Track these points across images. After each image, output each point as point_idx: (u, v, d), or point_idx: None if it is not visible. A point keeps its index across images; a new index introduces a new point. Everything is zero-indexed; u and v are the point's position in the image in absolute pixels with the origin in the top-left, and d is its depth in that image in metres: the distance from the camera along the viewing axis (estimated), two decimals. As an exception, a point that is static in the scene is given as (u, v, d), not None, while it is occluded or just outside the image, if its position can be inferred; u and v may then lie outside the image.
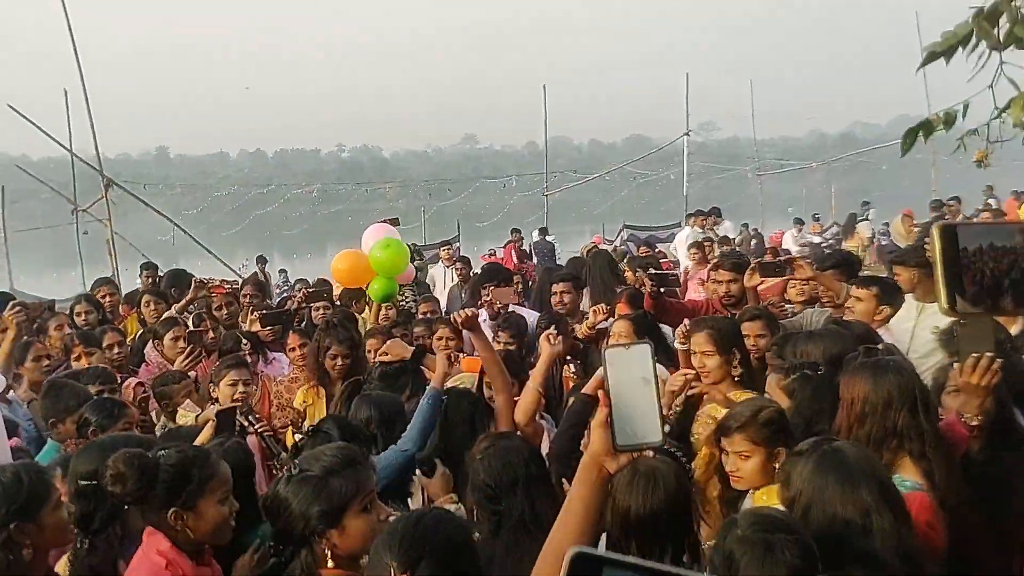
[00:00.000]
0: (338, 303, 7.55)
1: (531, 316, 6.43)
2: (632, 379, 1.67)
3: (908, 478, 2.78)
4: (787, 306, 5.96)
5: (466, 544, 1.92)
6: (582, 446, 3.25)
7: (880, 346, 3.69)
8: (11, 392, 5.06)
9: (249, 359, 5.66)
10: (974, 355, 2.82)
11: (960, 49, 1.80)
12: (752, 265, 5.76)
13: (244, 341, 6.04)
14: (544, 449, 4.18)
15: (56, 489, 2.67)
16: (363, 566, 2.39)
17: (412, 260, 7.57)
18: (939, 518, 2.75)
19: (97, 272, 11.45)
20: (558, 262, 14.45)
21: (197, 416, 4.58)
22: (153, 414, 5.13)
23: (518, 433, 3.41)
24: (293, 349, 5.79)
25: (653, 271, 6.69)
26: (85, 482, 2.97)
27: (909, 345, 4.64)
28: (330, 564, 2.38)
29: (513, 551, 2.54)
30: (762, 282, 5.76)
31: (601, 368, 1.68)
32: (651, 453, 2.64)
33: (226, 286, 7.40)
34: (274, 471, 3.71)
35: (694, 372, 4.05)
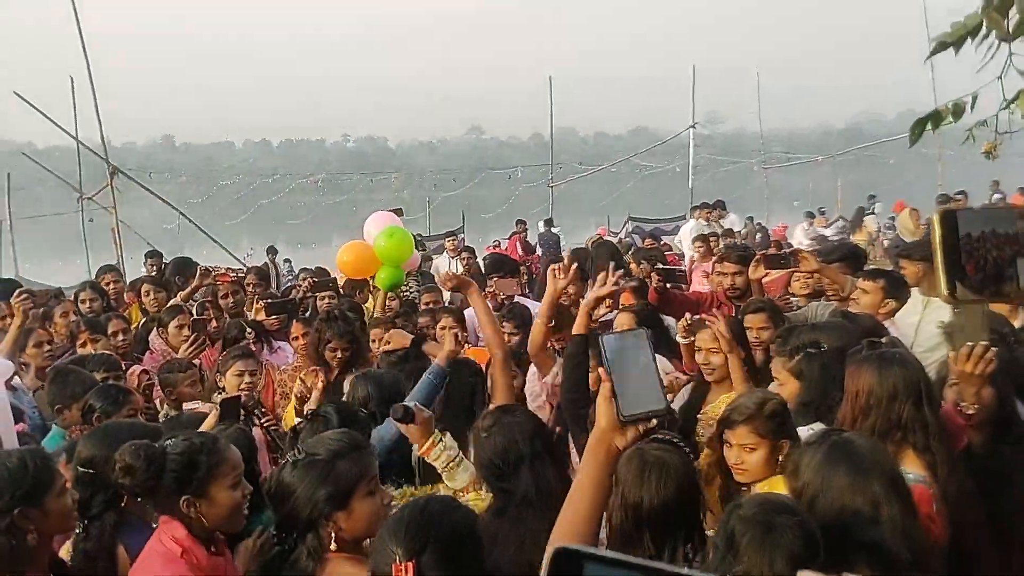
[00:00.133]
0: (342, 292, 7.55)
1: (535, 307, 6.42)
2: (630, 358, 1.74)
3: (911, 470, 2.78)
4: (792, 299, 5.96)
5: (471, 532, 1.92)
6: (588, 423, 3.28)
7: (884, 339, 3.68)
8: (16, 379, 5.08)
9: (253, 348, 5.67)
10: (968, 344, 2.84)
11: (969, 40, 1.79)
12: (757, 257, 5.75)
13: (248, 330, 6.05)
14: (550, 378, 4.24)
15: (61, 475, 2.68)
16: (365, 549, 2.41)
17: (417, 247, 7.58)
18: (940, 511, 2.75)
19: (102, 260, 11.45)
20: (563, 254, 14.43)
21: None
22: (157, 402, 5.14)
23: (522, 406, 3.40)
24: (296, 338, 5.80)
25: (661, 266, 6.69)
26: (83, 469, 2.99)
27: (914, 339, 4.64)
28: (333, 547, 2.39)
29: (519, 528, 2.54)
30: (767, 274, 5.76)
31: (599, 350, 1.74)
32: (656, 443, 2.66)
33: (231, 274, 7.41)
34: (277, 463, 3.71)
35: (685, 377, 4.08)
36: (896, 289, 4.95)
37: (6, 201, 17.43)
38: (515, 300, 6.49)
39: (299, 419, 3.49)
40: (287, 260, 19.18)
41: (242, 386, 4.74)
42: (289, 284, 11.91)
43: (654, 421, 1.73)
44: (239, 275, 7.73)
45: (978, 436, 3.32)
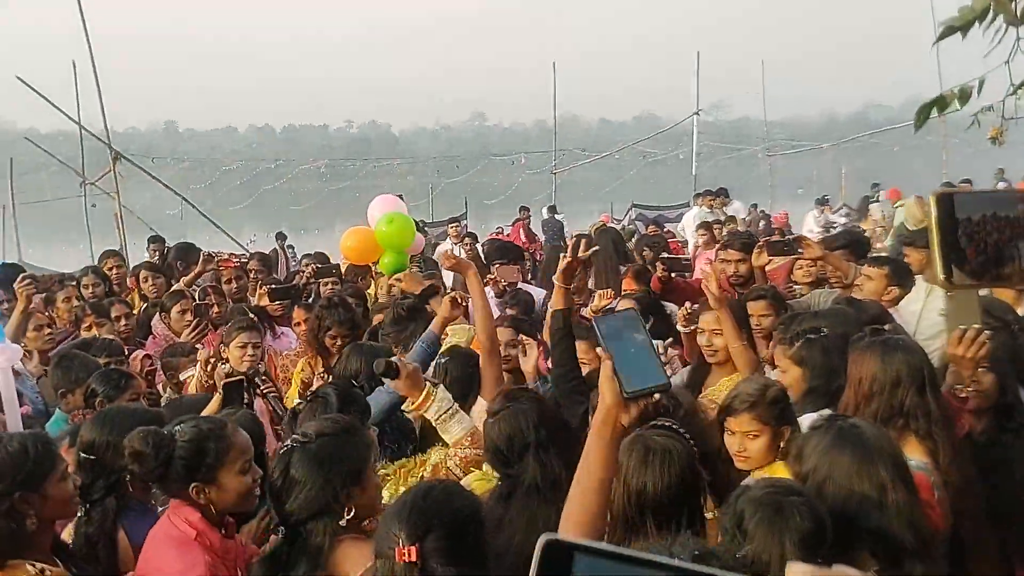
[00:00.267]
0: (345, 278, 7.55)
1: (538, 293, 6.42)
2: (627, 337, 1.78)
3: (913, 457, 2.78)
4: (795, 287, 5.95)
5: (474, 517, 1.93)
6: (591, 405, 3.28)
7: (887, 326, 3.68)
8: (19, 364, 5.08)
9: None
10: (961, 327, 2.84)
11: (977, 24, 1.78)
12: (760, 244, 5.75)
13: (251, 315, 6.05)
14: None
15: (63, 460, 2.68)
16: (365, 528, 2.42)
17: (421, 230, 7.58)
18: (941, 498, 2.75)
19: (105, 245, 11.45)
20: (567, 241, 14.41)
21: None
22: (160, 386, 5.15)
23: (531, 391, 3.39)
24: (299, 324, 5.81)
25: (666, 255, 6.70)
26: (85, 454, 2.99)
27: (916, 327, 4.63)
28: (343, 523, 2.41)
29: (525, 514, 2.56)
30: (770, 261, 5.76)
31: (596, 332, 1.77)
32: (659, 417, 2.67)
33: (234, 260, 7.41)
34: (280, 435, 3.71)
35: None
36: (900, 276, 4.95)
37: (9, 186, 17.44)
38: (518, 287, 6.50)
39: (299, 400, 3.48)
40: (290, 246, 19.18)
41: (245, 359, 4.74)
42: (293, 270, 11.92)
43: (656, 396, 1.75)
44: (242, 261, 7.72)
45: (979, 423, 3.32)
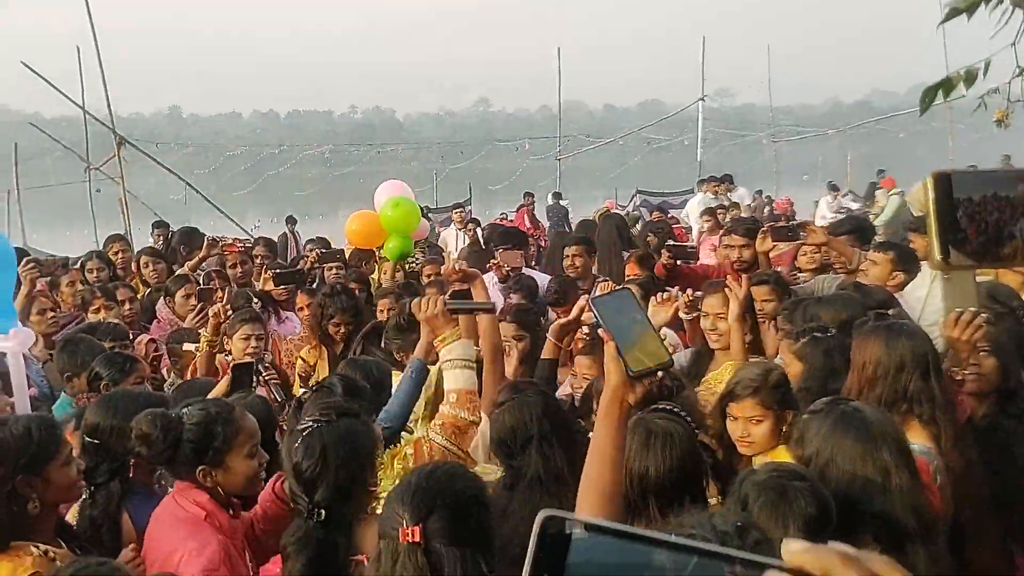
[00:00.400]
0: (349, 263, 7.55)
1: (542, 279, 6.42)
2: (626, 317, 1.80)
3: (915, 442, 2.78)
4: (799, 275, 5.94)
5: (478, 498, 1.93)
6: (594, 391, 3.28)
7: (891, 312, 3.67)
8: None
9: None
10: (957, 310, 2.87)
11: (983, 5, 1.77)
12: (764, 229, 5.74)
13: (255, 300, 6.06)
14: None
15: (67, 444, 2.68)
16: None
17: (425, 215, 7.57)
18: (943, 483, 2.76)
19: (110, 230, 11.43)
20: (572, 227, 14.40)
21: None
22: (164, 371, 5.17)
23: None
24: (302, 309, 5.82)
25: (672, 243, 6.68)
26: (89, 438, 3.00)
27: (921, 313, 4.62)
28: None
29: (528, 506, 2.56)
30: (774, 247, 5.74)
31: (590, 312, 1.80)
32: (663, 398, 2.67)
33: (238, 245, 7.41)
34: (282, 424, 3.72)
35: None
36: (905, 262, 4.94)
37: (13, 171, 17.43)
38: (522, 272, 6.49)
39: (304, 390, 3.49)
40: (283, 233, 19.18)
41: (248, 350, 4.75)
42: (297, 255, 11.92)
43: (660, 374, 1.77)
44: (246, 245, 7.72)
45: (981, 408, 3.32)
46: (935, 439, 2.84)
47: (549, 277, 6.52)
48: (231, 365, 4.16)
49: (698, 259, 6.93)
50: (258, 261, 7.48)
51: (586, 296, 3.79)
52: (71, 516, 2.94)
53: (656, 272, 6.04)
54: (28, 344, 4.19)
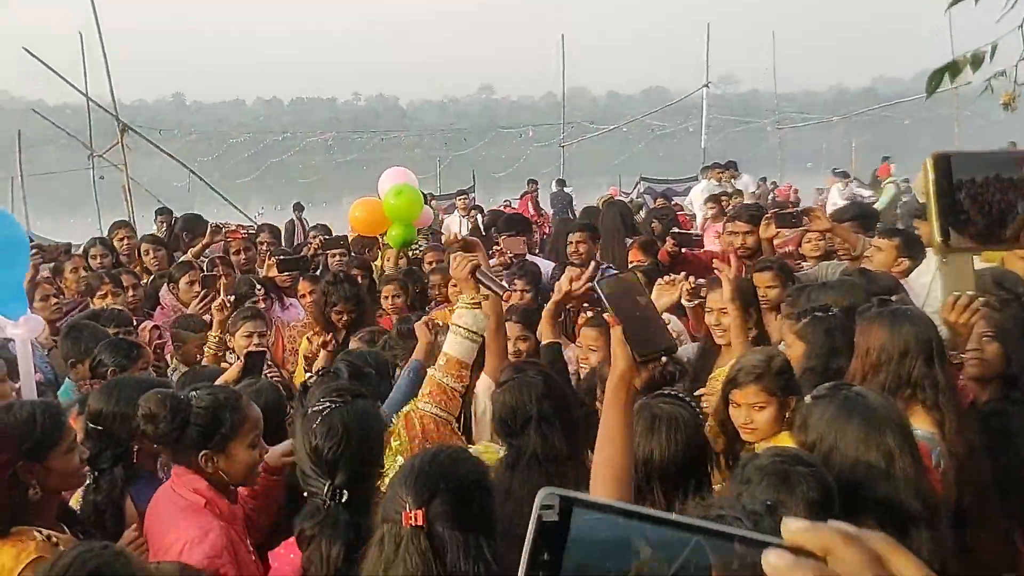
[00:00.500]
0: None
1: (546, 265, 6.41)
2: (630, 301, 1.81)
3: (919, 427, 2.78)
4: (803, 265, 5.92)
5: (481, 482, 1.94)
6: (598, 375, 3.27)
7: (895, 298, 3.66)
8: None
9: (263, 305, 5.69)
10: (955, 293, 2.86)
11: (990, -12, 1.75)
12: (768, 216, 5.72)
13: (258, 287, 6.06)
14: None
15: (71, 432, 2.66)
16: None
17: (427, 203, 7.55)
18: (946, 468, 2.75)
19: (113, 218, 11.44)
20: (575, 214, 14.37)
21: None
22: (168, 357, 5.18)
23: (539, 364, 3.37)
24: (304, 296, 5.82)
25: (677, 231, 6.67)
26: (93, 424, 3.00)
27: (926, 299, 4.61)
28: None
29: (527, 485, 2.57)
30: (778, 233, 5.72)
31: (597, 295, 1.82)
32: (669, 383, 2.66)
33: (242, 231, 7.41)
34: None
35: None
36: (911, 249, 4.92)
37: (17, 158, 17.44)
38: (528, 259, 6.49)
39: (309, 375, 3.49)
40: (291, 219, 19.17)
41: (251, 347, 4.76)
42: (300, 242, 11.92)
43: (664, 359, 1.79)
44: (249, 232, 7.72)
45: (984, 393, 3.32)
46: (938, 425, 2.83)
47: (553, 264, 6.51)
48: (244, 352, 4.17)
49: (703, 246, 6.92)
50: (263, 247, 7.49)
51: (571, 271, 3.80)
52: (75, 501, 2.94)
53: (660, 258, 6.03)
54: (38, 332, 4.20)
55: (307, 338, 5.22)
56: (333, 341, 4.77)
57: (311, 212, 18.34)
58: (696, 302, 4.59)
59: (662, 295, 4.48)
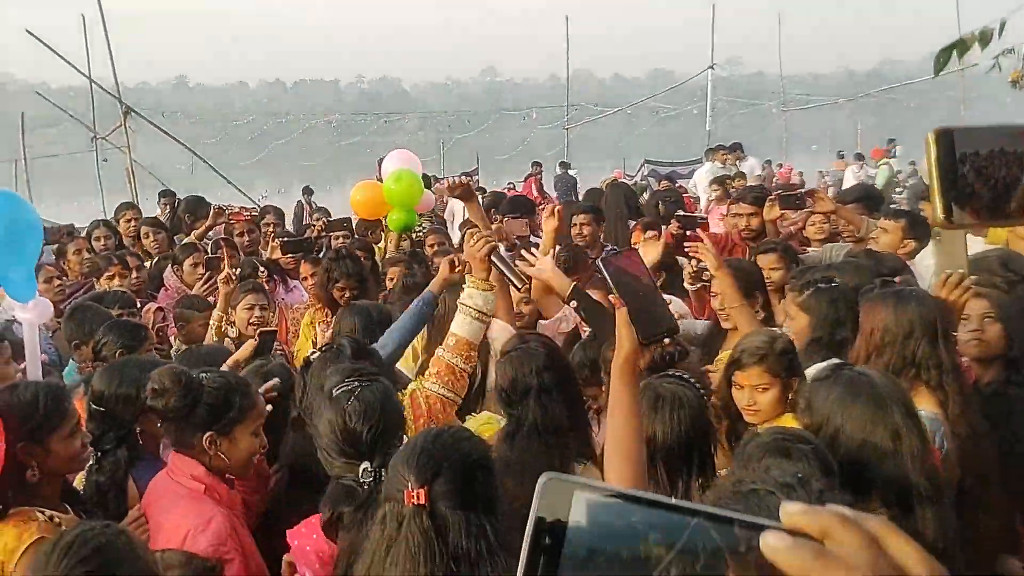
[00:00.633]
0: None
1: (549, 248, 6.39)
2: (633, 282, 1.84)
3: (922, 408, 2.77)
4: (808, 250, 5.91)
5: (483, 461, 1.93)
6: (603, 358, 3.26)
7: (898, 279, 3.65)
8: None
9: (267, 287, 5.68)
10: (947, 271, 2.94)
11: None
12: (772, 198, 5.70)
13: (261, 268, 6.06)
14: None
15: (73, 416, 2.65)
16: None
17: (429, 188, 7.53)
18: (950, 449, 2.75)
19: (117, 200, 11.44)
20: (579, 197, 14.33)
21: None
22: (172, 338, 5.18)
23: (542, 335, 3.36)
24: (305, 278, 5.82)
25: (681, 213, 6.64)
26: (96, 405, 3.00)
27: (930, 281, 4.60)
28: None
29: (525, 455, 2.58)
30: (782, 215, 5.71)
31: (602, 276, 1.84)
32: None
33: (245, 213, 7.41)
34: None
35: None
36: (917, 230, 4.90)
37: (21, 140, 17.43)
38: (532, 241, 6.47)
39: (312, 351, 3.48)
40: (299, 201, 19.16)
41: (252, 320, 4.76)
42: (304, 224, 11.92)
43: (667, 340, 1.81)
44: (252, 214, 7.71)
45: (987, 375, 3.32)
46: (942, 405, 2.83)
47: (557, 246, 6.48)
48: (258, 331, 4.16)
49: (707, 228, 6.90)
50: (269, 229, 7.49)
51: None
52: (78, 482, 2.95)
53: (664, 241, 6.01)
54: (47, 316, 4.19)
55: (314, 313, 5.22)
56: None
57: (315, 195, 18.35)
58: (699, 285, 4.58)
59: (648, 252, 4.48)
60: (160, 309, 5.24)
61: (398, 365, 3.80)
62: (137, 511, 2.68)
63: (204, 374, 2.71)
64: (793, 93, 36.09)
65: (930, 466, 2.33)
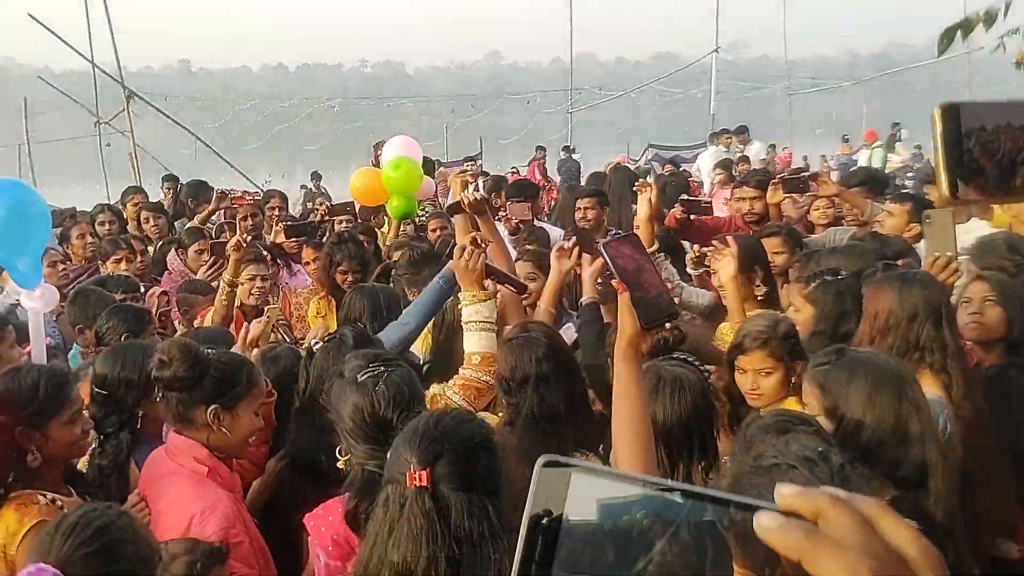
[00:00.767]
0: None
1: (554, 232, 6.38)
2: (636, 266, 1.86)
3: (926, 391, 2.77)
4: (812, 237, 5.90)
5: (486, 444, 1.93)
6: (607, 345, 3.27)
7: (901, 262, 3.64)
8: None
9: (271, 270, 5.69)
10: (935, 254, 3.01)
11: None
12: (775, 181, 5.69)
13: (264, 252, 6.06)
14: None
15: (75, 403, 2.65)
16: None
17: (432, 172, 7.51)
18: (953, 432, 2.75)
19: (120, 185, 11.45)
20: (583, 182, 14.31)
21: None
22: (176, 322, 5.18)
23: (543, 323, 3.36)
24: (308, 263, 5.81)
25: (685, 197, 6.63)
26: (98, 389, 3.01)
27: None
28: None
29: (523, 443, 2.59)
30: (785, 198, 5.70)
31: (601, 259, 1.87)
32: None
33: (248, 197, 7.40)
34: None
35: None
36: (922, 213, 4.89)
37: (24, 125, 17.42)
38: (537, 225, 6.47)
39: (314, 340, 3.48)
40: (303, 186, 19.15)
41: (253, 290, 4.75)
42: (308, 208, 11.92)
43: (668, 325, 1.82)
44: (255, 198, 7.70)
45: (989, 358, 3.32)
46: (946, 388, 2.83)
47: (560, 231, 6.47)
48: (248, 295, 4.14)
49: (712, 213, 6.89)
50: (274, 213, 7.48)
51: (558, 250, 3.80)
52: (83, 464, 2.95)
53: (667, 224, 6.00)
54: (53, 304, 4.19)
55: (315, 301, 5.22)
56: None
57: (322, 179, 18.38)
58: (701, 270, 4.59)
59: (640, 208, 4.67)
60: (164, 293, 5.25)
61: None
62: (136, 496, 2.68)
63: (211, 350, 2.73)
64: (798, 77, 35.90)
65: (940, 448, 2.33)
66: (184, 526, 2.40)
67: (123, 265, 5.65)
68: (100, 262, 5.98)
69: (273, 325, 4.14)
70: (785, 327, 3.08)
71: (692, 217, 6.01)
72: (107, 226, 6.97)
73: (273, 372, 3.27)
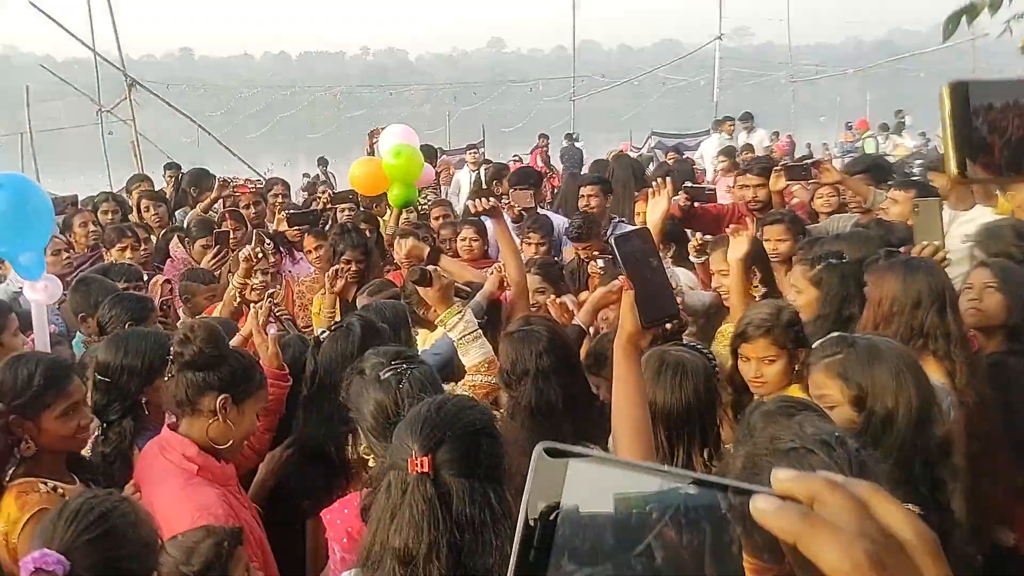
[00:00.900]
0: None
1: (556, 219, 6.37)
2: (643, 262, 1.85)
3: (931, 378, 2.77)
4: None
5: (487, 430, 1.93)
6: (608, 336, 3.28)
7: (903, 249, 3.63)
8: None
9: (273, 259, 5.67)
10: (923, 242, 3.06)
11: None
12: (778, 168, 5.67)
13: (267, 241, 6.04)
14: None
15: (72, 395, 2.64)
16: None
17: (434, 159, 7.49)
18: (956, 418, 2.75)
19: (123, 173, 11.47)
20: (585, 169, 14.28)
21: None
22: (179, 311, 5.18)
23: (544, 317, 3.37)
24: (310, 251, 5.81)
25: (689, 184, 6.62)
26: (101, 376, 3.01)
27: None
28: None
29: (523, 433, 2.60)
30: (788, 186, 5.68)
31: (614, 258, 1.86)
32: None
33: (250, 185, 7.39)
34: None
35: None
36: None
37: (26, 113, 17.39)
38: (540, 212, 6.45)
39: (321, 330, 3.48)
40: (305, 174, 19.13)
41: (256, 286, 4.74)
42: (310, 197, 11.89)
43: (669, 325, 1.82)
44: (258, 186, 7.69)
45: (990, 344, 3.32)
46: (949, 375, 2.83)
47: (564, 219, 6.45)
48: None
49: (715, 200, 6.86)
50: (278, 201, 7.47)
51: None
52: (85, 451, 2.96)
53: (672, 212, 5.98)
54: (57, 295, 4.19)
55: (319, 298, 5.21)
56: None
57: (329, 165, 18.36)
58: (704, 258, 4.58)
59: (656, 208, 4.62)
60: (167, 282, 5.24)
61: None
62: (131, 487, 2.67)
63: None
64: (802, 64, 35.73)
65: (950, 433, 2.34)
66: (172, 530, 2.33)
67: (128, 253, 5.66)
68: (105, 249, 5.97)
69: (276, 316, 4.14)
70: (788, 315, 3.07)
71: (696, 204, 5.99)
72: (110, 214, 6.97)
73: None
